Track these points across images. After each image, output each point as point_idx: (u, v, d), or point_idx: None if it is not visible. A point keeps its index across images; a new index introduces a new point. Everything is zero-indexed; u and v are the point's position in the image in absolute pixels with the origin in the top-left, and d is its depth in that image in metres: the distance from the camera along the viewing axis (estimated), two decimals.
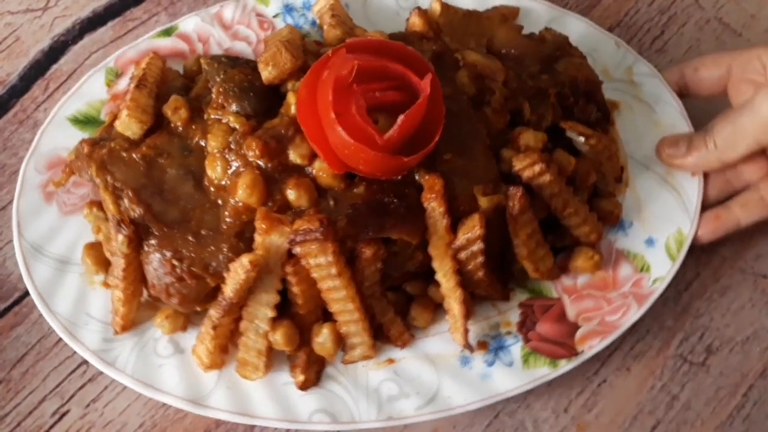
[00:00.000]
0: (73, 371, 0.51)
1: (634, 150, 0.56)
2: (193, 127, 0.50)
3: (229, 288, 0.46)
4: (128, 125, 0.50)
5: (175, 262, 0.46)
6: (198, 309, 0.49)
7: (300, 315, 0.48)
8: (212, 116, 0.49)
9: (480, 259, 0.47)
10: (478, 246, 0.46)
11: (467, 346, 0.49)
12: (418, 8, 0.54)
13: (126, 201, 0.48)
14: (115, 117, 0.54)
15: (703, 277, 0.54)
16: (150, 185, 0.48)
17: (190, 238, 0.47)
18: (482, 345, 0.51)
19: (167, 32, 0.60)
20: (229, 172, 0.47)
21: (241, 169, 0.47)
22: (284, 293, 0.48)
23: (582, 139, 0.51)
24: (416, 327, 0.51)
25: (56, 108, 0.57)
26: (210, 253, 0.46)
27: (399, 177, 0.47)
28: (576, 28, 0.59)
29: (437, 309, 0.51)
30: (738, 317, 0.53)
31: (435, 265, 0.48)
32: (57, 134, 0.56)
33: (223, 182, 0.48)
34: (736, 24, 0.63)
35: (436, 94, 0.44)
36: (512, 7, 0.59)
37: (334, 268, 0.45)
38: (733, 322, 0.53)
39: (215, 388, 0.49)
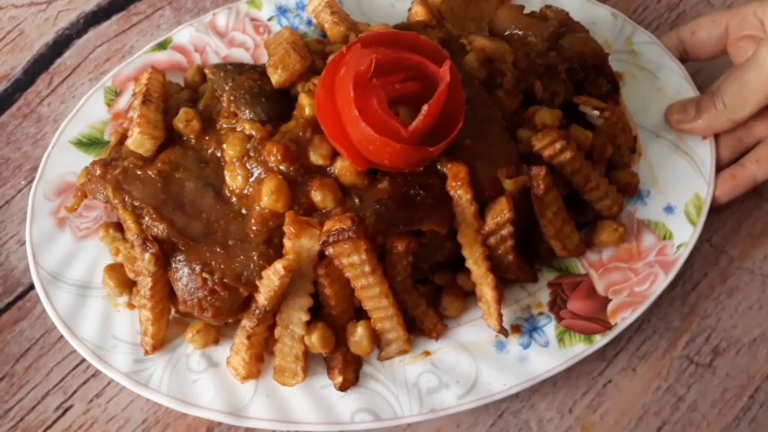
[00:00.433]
0: (77, 366, 0.51)
1: (643, 119, 0.57)
2: (207, 138, 0.49)
3: (263, 296, 0.45)
4: (141, 142, 0.49)
5: (206, 276, 0.46)
6: (230, 320, 0.49)
7: (333, 316, 0.48)
8: (225, 125, 0.49)
9: (510, 242, 0.47)
10: (507, 230, 0.46)
11: (502, 330, 0.49)
12: None
13: (147, 219, 0.47)
14: (121, 136, 0.53)
15: (710, 277, 0.54)
16: (170, 201, 0.47)
17: (218, 249, 0.46)
18: (516, 328, 0.51)
19: (162, 45, 0.59)
20: (251, 179, 0.47)
21: (263, 176, 0.46)
22: (314, 296, 0.47)
23: (596, 112, 0.51)
24: (448, 317, 0.51)
25: (58, 133, 0.56)
26: (240, 263, 0.46)
27: (421, 169, 0.47)
28: (571, 4, 0.59)
29: (467, 297, 0.51)
30: (745, 318, 0.53)
31: (465, 252, 0.47)
32: (62, 159, 0.55)
33: (246, 191, 0.47)
34: None
35: (455, 81, 0.44)
36: None
37: (367, 266, 0.44)
38: (741, 323, 0.52)
39: (254, 398, 0.49)
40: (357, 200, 0.46)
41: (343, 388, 0.48)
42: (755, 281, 0.54)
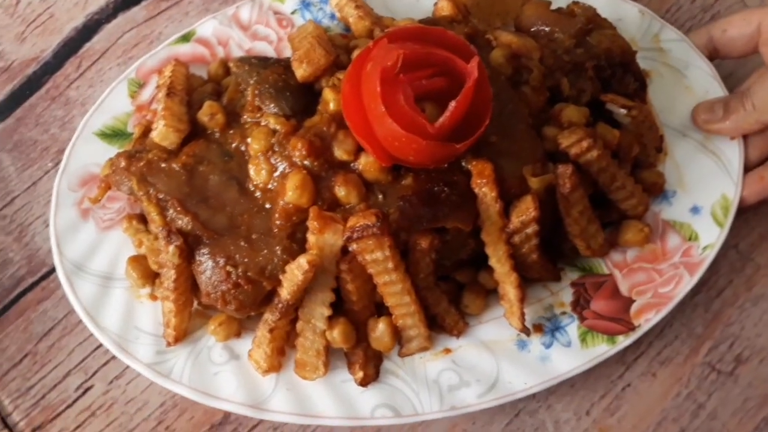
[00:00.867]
0: (98, 347, 0.52)
1: (669, 118, 0.56)
2: (231, 131, 0.49)
3: (286, 290, 0.45)
4: (166, 135, 0.49)
5: (230, 269, 0.46)
6: (253, 313, 0.49)
7: (354, 311, 0.48)
8: (249, 119, 0.49)
9: (534, 241, 0.46)
10: (532, 228, 0.46)
11: (524, 329, 0.49)
12: None
13: (172, 211, 0.47)
14: (145, 128, 0.53)
15: (735, 284, 0.53)
16: (194, 194, 0.48)
17: (243, 243, 0.46)
18: (538, 328, 0.50)
19: (185, 38, 0.59)
20: (275, 174, 0.47)
21: (288, 171, 0.46)
22: (336, 291, 0.47)
23: (623, 111, 0.51)
24: (469, 314, 0.51)
25: (82, 124, 0.56)
26: (264, 257, 0.46)
27: (445, 165, 0.46)
28: (598, 0, 0.58)
29: (489, 295, 0.51)
30: None
31: (488, 250, 0.47)
32: (86, 150, 0.55)
33: (270, 185, 0.47)
34: None
35: (482, 77, 0.43)
36: None
37: (390, 262, 0.44)
38: (765, 332, 0.52)
39: (275, 391, 0.49)
40: (380, 196, 0.46)
41: (363, 383, 0.48)
42: None
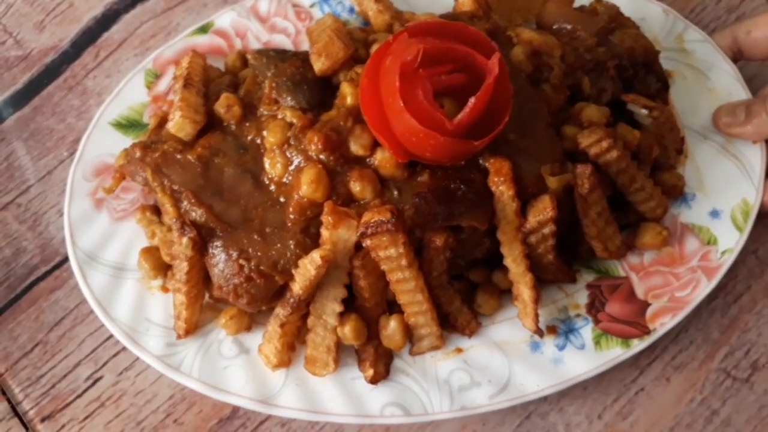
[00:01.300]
0: (108, 339, 0.51)
1: (691, 120, 0.55)
2: (247, 124, 0.49)
3: (298, 285, 0.45)
4: (182, 126, 0.49)
5: (243, 262, 0.45)
6: (264, 308, 0.48)
7: (366, 308, 0.48)
8: (265, 112, 0.48)
9: (551, 241, 0.46)
10: (549, 228, 0.45)
11: (538, 331, 0.48)
12: None
13: (186, 203, 0.47)
14: (160, 119, 0.53)
15: (754, 290, 0.52)
16: (208, 186, 0.47)
17: (256, 237, 0.46)
18: (552, 329, 0.50)
19: (203, 29, 0.58)
20: (291, 168, 0.46)
21: (303, 165, 0.46)
22: (347, 288, 0.47)
23: (645, 111, 0.50)
24: (482, 314, 0.50)
25: (98, 114, 0.56)
26: (277, 251, 0.45)
27: (462, 163, 0.46)
28: None
29: (502, 295, 0.50)
30: None
31: (504, 250, 0.47)
32: (101, 140, 0.55)
33: (285, 179, 0.47)
34: None
35: (503, 74, 0.43)
36: None
37: (404, 259, 0.44)
38: None
39: (284, 386, 0.48)
40: (396, 192, 0.45)
41: (373, 381, 0.48)
42: None
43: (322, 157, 0.45)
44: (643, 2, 0.58)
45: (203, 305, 0.50)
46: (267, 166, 0.47)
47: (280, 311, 0.46)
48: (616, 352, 0.49)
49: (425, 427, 0.49)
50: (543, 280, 0.50)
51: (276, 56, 0.50)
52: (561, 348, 0.49)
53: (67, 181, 0.54)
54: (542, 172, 0.46)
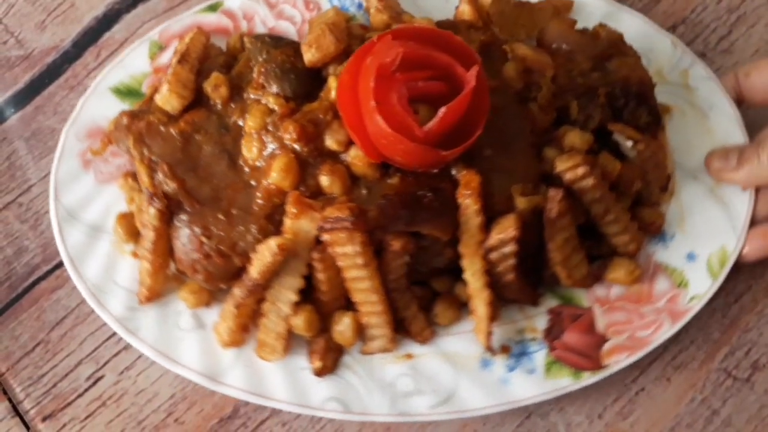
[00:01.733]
0: (109, 338, 0.52)
1: (684, 158, 0.54)
2: (233, 105, 0.49)
3: (255, 269, 0.45)
4: (168, 100, 0.50)
5: (204, 240, 0.46)
6: (223, 286, 0.49)
7: (323, 301, 0.48)
8: (252, 96, 0.49)
9: (512, 261, 0.45)
10: (510, 248, 0.45)
11: (490, 348, 0.48)
12: None
13: (160, 175, 0.48)
14: (155, 90, 0.54)
15: (754, 290, 0.51)
16: (185, 161, 0.48)
17: (221, 216, 0.46)
18: (505, 349, 0.49)
19: (212, 8, 0.59)
20: (265, 153, 0.47)
21: (277, 152, 0.46)
22: (308, 278, 0.47)
23: (630, 143, 0.49)
24: (438, 324, 0.50)
25: (99, 78, 0.57)
26: (239, 233, 0.46)
27: (435, 170, 0.46)
28: (632, 25, 0.56)
29: (462, 308, 0.50)
30: None
31: (464, 263, 0.46)
32: (98, 104, 0.56)
33: (258, 163, 0.47)
34: None
35: (481, 87, 0.43)
36: (566, 0, 0.56)
37: (360, 258, 0.44)
38: None
39: (233, 366, 0.49)
40: (365, 192, 0.45)
41: (319, 373, 0.48)
42: None
43: (296, 146, 0.46)
44: (652, 32, 0.57)
45: (168, 275, 0.51)
46: (243, 149, 0.48)
47: (237, 292, 0.47)
48: (564, 382, 0.48)
49: (426, 426, 0.49)
50: (504, 298, 0.50)
51: (270, 42, 0.51)
52: (511, 369, 0.49)
53: (60, 138, 0.55)
54: (513, 191, 0.46)
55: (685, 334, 0.50)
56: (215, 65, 0.53)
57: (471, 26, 0.51)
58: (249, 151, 0.47)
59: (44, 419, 0.50)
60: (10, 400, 0.50)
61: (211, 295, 0.51)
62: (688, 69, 0.56)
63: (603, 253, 0.51)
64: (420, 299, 0.49)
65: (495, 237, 0.45)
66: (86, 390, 0.51)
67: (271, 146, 0.47)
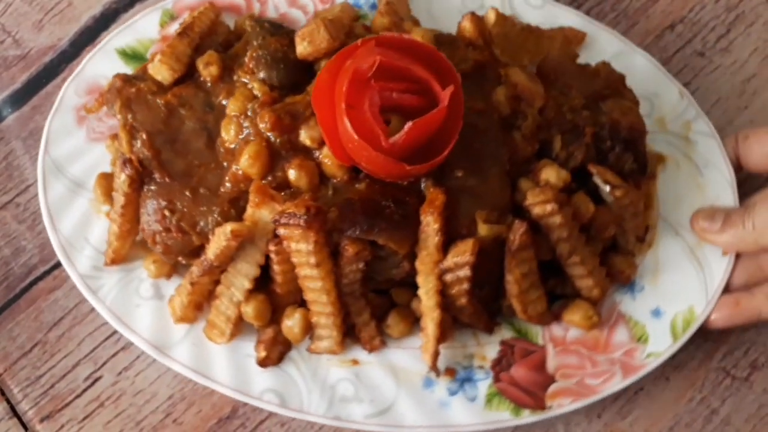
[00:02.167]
0: (107, 338, 0.52)
1: (669, 211, 0.52)
2: (221, 85, 0.50)
3: (211, 251, 0.46)
4: (159, 70, 0.50)
5: (167, 213, 0.47)
6: (183, 262, 0.50)
7: (277, 293, 0.48)
8: (241, 79, 0.49)
9: (465, 285, 0.45)
10: (464, 272, 0.44)
11: (434, 369, 0.47)
12: (472, 13, 0.51)
13: (139, 142, 0.49)
14: (153, 58, 0.55)
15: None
16: (165, 132, 0.49)
17: (188, 193, 0.47)
18: (450, 372, 0.49)
19: None
20: (240, 137, 0.47)
21: (251, 138, 0.46)
22: (267, 268, 0.48)
23: (608, 188, 0.48)
24: (390, 335, 0.50)
25: (108, 37, 0.58)
26: (201, 213, 0.47)
27: (404, 182, 0.45)
28: (642, 67, 0.55)
29: (415, 323, 0.50)
30: None
31: (419, 280, 0.46)
32: (102, 62, 0.57)
33: (233, 146, 0.47)
34: None
35: (456, 108, 0.42)
36: (579, 32, 0.55)
37: (313, 257, 0.44)
38: None
39: (181, 341, 0.50)
40: (331, 192, 0.45)
41: (262, 363, 0.49)
42: None
43: (270, 135, 0.46)
44: (661, 77, 0.55)
45: (136, 242, 0.52)
46: (222, 130, 0.48)
47: (194, 270, 0.48)
48: (503, 416, 0.47)
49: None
50: (459, 321, 0.49)
51: (268, 28, 0.51)
52: (452, 393, 0.48)
53: (60, 92, 0.56)
54: (477, 216, 0.45)
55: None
56: (215, 43, 0.53)
57: (470, 44, 0.50)
58: (227, 133, 0.48)
59: (42, 420, 0.50)
60: (8, 401, 0.51)
61: (174, 268, 0.51)
62: (691, 121, 0.54)
63: (567, 293, 0.50)
64: (376, 307, 0.49)
65: (451, 259, 0.44)
66: (84, 391, 0.51)
67: (246, 131, 0.47)
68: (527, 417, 0.47)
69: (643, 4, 0.58)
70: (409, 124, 0.41)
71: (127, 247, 0.51)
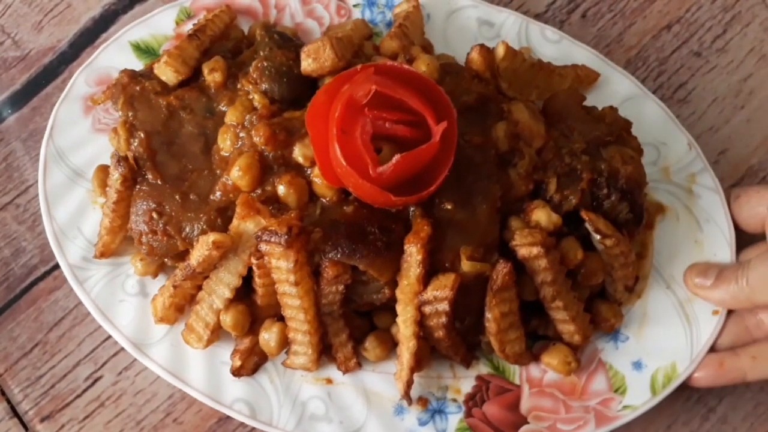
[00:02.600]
0: (108, 338, 0.52)
1: (663, 264, 0.51)
2: (225, 92, 0.50)
3: (194, 258, 0.46)
4: (164, 71, 0.50)
5: (155, 215, 0.47)
6: (169, 263, 0.50)
7: (258, 305, 0.48)
8: (244, 88, 0.49)
9: (443, 319, 0.45)
10: (443, 306, 0.44)
11: (407, 397, 0.47)
12: (481, 46, 0.50)
13: (137, 141, 0.49)
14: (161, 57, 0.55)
15: None
16: (164, 134, 0.49)
17: (177, 197, 0.47)
18: (423, 401, 0.49)
19: None
20: (236, 147, 0.47)
21: (245, 150, 0.46)
22: (251, 278, 0.48)
23: (598, 236, 0.47)
24: (366, 358, 0.50)
25: (124, 30, 0.58)
26: (188, 218, 0.47)
27: (393, 210, 0.45)
28: (652, 113, 0.54)
29: (393, 348, 0.49)
30: None
31: (399, 308, 0.46)
32: (115, 54, 0.57)
33: (227, 155, 0.48)
34: None
35: (448, 143, 0.42)
36: (592, 71, 0.54)
37: (292, 275, 0.44)
38: None
39: (160, 341, 0.50)
40: (318, 211, 0.45)
41: (236, 373, 0.49)
42: None
43: (264, 149, 0.46)
44: (672, 126, 0.54)
45: (127, 237, 0.52)
46: (219, 138, 0.48)
47: (178, 273, 0.48)
48: None
49: None
50: (438, 352, 0.49)
51: (278, 40, 0.51)
52: (422, 423, 0.48)
53: (70, 80, 0.57)
54: (461, 252, 0.44)
55: None
56: (224, 48, 0.53)
57: (476, 76, 0.49)
58: (223, 141, 0.48)
59: (42, 420, 0.51)
60: (8, 401, 0.51)
61: (161, 267, 0.52)
62: (697, 174, 0.53)
63: (549, 335, 0.49)
64: (356, 328, 0.49)
65: (431, 292, 0.44)
66: (84, 390, 0.51)
67: (241, 142, 0.47)
68: None
69: (641, 4, 0.58)
70: (397, 157, 0.41)
71: (117, 242, 0.52)
